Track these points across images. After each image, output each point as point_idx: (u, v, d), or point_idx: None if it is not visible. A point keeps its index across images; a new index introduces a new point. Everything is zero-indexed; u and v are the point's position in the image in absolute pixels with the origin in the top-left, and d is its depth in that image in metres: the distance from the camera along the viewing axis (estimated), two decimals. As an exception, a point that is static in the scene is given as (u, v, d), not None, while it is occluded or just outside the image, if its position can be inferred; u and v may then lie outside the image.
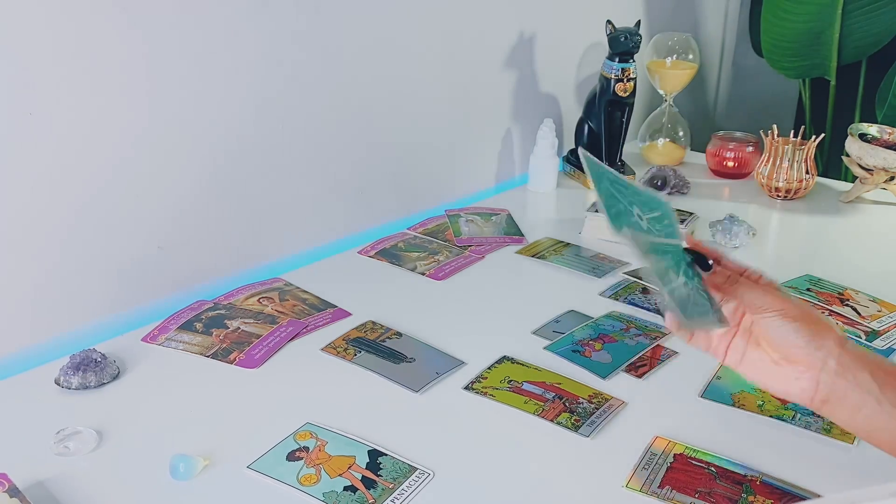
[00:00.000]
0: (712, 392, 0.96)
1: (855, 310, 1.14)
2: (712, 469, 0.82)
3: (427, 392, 0.95)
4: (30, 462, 0.81)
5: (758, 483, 0.80)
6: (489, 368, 0.99)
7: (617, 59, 1.53)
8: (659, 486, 0.80)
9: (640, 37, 1.53)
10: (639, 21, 1.57)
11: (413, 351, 1.02)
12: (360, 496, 0.78)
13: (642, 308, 1.15)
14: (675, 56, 1.72)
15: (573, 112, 1.72)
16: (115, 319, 1.06)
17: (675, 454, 0.84)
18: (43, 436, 0.84)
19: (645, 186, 0.75)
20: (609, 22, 1.53)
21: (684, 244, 0.74)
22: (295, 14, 1.15)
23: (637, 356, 1.02)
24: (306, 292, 1.17)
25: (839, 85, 2.01)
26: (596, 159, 0.74)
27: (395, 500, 0.77)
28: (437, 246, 1.33)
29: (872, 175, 1.53)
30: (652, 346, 1.05)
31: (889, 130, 1.56)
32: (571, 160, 1.68)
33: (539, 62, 1.61)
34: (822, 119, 2.07)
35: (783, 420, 0.91)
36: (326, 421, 0.88)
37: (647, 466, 0.82)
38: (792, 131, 1.61)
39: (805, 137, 1.59)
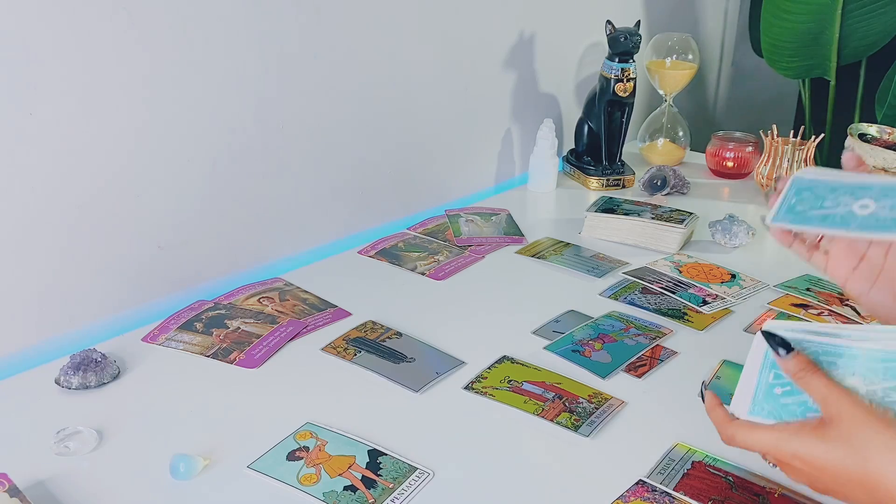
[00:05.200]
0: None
1: (854, 309, 1.14)
2: (730, 478, 0.81)
3: (427, 392, 0.95)
4: (30, 462, 0.81)
5: (776, 496, 0.79)
6: (489, 368, 0.99)
7: (617, 59, 1.54)
8: (674, 489, 0.79)
9: (640, 37, 1.53)
10: (638, 21, 1.57)
11: (413, 351, 1.02)
12: (360, 496, 0.78)
13: (642, 308, 1.15)
14: (674, 56, 1.72)
15: (573, 112, 1.72)
16: (115, 319, 1.06)
17: (693, 461, 0.83)
18: (43, 436, 0.84)
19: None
20: (609, 22, 1.53)
21: None
22: (295, 14, 1.15)
23: (637, 356, 1.02)
24: (306, 292, 1.17)
25: (839, 85, 2.01)
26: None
27: (395, 500, 0.77)
28: (437, 246, 1.33)
29: (872, 175, 1.52)
30: (651, 346, 1.05)
31: (889, 130, 1.56)
32: (571, 160, 1.68)
33: (539, 62, 1.61)
34: (821, 119, 2.07)
35: (783, 420, 0.90)
36: (326, 421, 0.88)
37: (663, 471, 0.82)
38: (791, 131, 1.61)
39: (805, 137, 1.59)
